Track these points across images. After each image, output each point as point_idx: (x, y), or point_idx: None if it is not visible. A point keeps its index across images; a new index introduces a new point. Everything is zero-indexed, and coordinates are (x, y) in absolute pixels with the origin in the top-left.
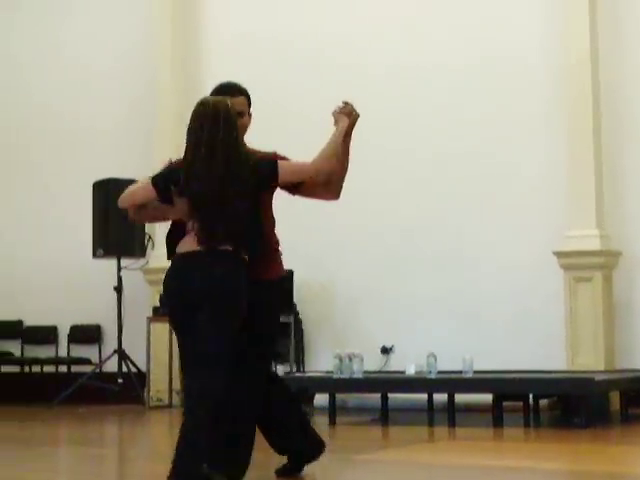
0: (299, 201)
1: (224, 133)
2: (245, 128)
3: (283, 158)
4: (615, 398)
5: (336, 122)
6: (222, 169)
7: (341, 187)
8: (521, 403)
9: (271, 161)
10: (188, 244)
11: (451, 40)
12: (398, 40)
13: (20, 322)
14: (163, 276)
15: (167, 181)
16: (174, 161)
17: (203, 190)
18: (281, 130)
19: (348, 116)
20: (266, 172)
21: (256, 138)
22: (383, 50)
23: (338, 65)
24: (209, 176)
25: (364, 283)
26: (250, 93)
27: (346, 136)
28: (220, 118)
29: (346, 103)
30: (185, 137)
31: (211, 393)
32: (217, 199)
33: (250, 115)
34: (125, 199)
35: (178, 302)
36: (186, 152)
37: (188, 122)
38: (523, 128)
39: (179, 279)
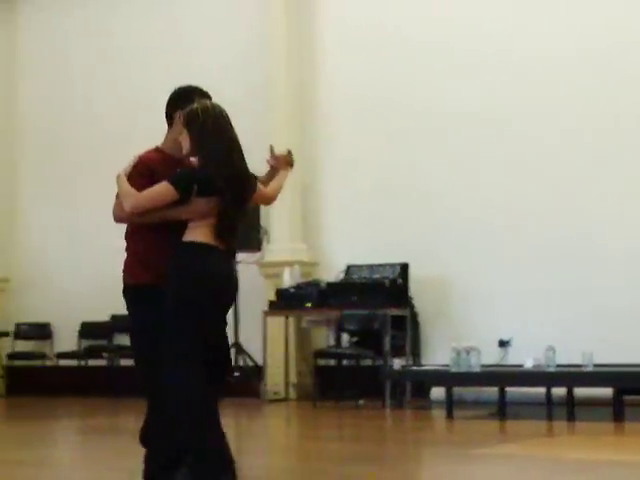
0: (416, 198)
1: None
2: None
3: None
4: None
5: (277, 167)
6: (245, 171)
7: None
8: None
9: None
10: (203, 235)
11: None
12: (536, 28)
13: None
14: (276, 270)
15: (189, 181)
16: (141, 156)
17: (240, 190)
18: (399, 125)
19: (289, 165)
20: (254, 185)
21: (378, 133)
22: (526, 37)
23: (462, 57)
24: (241, 177)
25: (481, 275)
26: (366, 84)
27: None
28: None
29: (289, 152)
30: (197, 136)
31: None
32: (244, 200)
33: None
34: (144, 204)
35: (215, 295)
36: (212, 151)
37: (196, 122)
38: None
39: (223, 276)
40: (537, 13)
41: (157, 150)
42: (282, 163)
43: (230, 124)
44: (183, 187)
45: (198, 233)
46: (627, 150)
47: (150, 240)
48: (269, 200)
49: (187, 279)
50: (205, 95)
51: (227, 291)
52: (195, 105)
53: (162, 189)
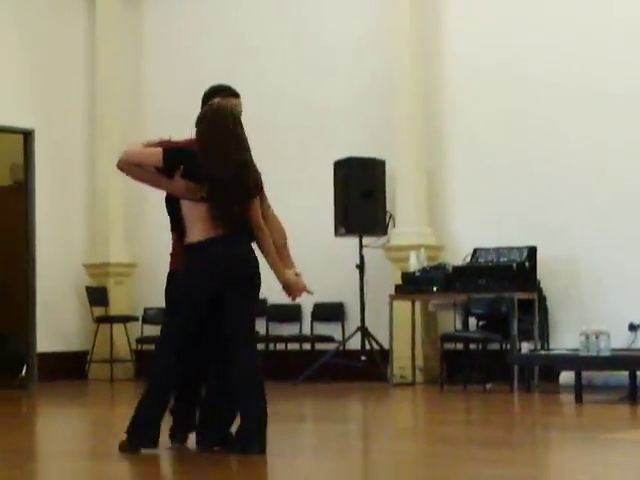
0: (543, 179)
1: (241, 130)
2: None
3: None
4: None
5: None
6: (242, 159)
7: None
8: None
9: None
10: (197, 233)
11: None
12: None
13: (264, 301)
14: (402, 254)
15: (178, 159)
16: (173, 140)
17: (233, 177)
18: (526, 104)
19: (298, 290)
20: (259, 181)
21: (504, 113)
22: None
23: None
24: (236, 165)
25: (610, 258)
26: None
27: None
28: (237, 118)
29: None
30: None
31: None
32: (240, 186)
33: None
34: (132, 156)
35: (210, 284)
36: (207, 141)
37: (199, 118)
38: None
39: (212, 263)
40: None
41: (189, 141)
42: (293, 289)
43: (233, 119)
44: (169, 158)
45: (194, 233)
46: None
47: None
48: (255, 226)
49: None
50: (234, 94)
51: (230, 271)
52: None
53: (152, 151)
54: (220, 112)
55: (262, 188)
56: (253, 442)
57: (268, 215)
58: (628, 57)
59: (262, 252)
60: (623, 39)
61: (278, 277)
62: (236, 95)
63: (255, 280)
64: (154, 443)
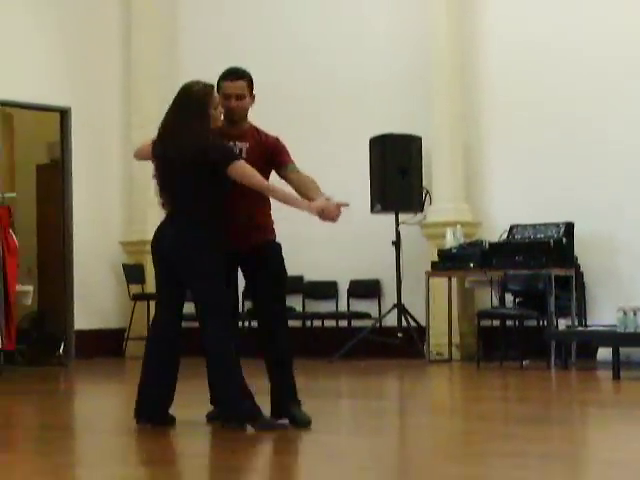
0: (581, 155)
1: (189, 112)
2: (244, 109)
3: (281, 147)
4: None
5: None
6: (177, 143)
7: None
8: None
9: (225, 154)
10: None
11: None
12: None
13: (301, 277)
14: (439, 231)
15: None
16: None
17: (169, 156)
18: (562, 78)
19: (332, 212)
20: (216, 159)
21: (540, 89)
22: None
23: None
24: (173, 145)
25: None
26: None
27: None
28: (191, 100)
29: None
30: None
31: None
32: (178, 165)
33: (253, 97)
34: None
35: (157, 263)
36: (162, 122)
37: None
38: None
39: (153, 244)
40: None
41: None
42: (326, 212)
43: (189, 98)
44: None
45: None
46: None
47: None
48: (258, 188)
49: None
50: (236, 77)
51: (160, 253)
52: None
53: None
54: (182, 92)
55: (279, 160)
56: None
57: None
58: None
59: (285, 202)
60: None
61: (306, 209)
62: (239, 77)
63: (184, 257)
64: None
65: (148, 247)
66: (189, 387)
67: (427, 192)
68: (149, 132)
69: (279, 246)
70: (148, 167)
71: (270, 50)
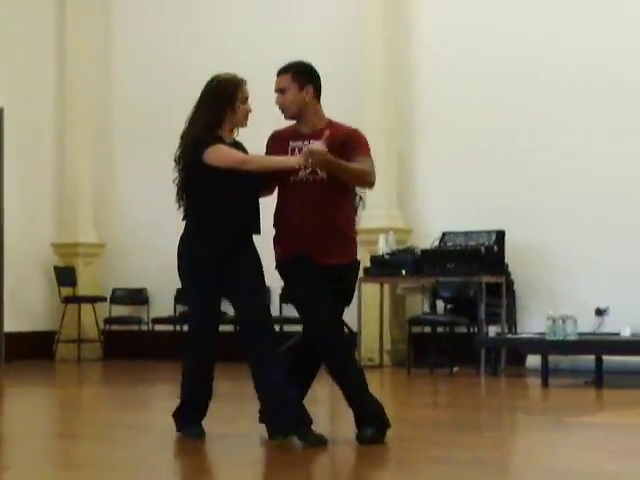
0: (513, 164)
1: (198, 105)
2: (290, 103)
3: (354, 139)
4: None
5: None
6: (187, 137)
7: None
8: None
9: (198, 141)
10: None
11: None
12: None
13: None
14: (371, 237)
15: None
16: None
17: (179, 153)
18: (496, 90)
19: (317, 152)
20: (188, 150)
21: (474, 98)
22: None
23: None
24: (182, 141)
25: (577, 243)
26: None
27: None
28: (205, 91)
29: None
30: None
31: None
32: (185, 163)
33: (306, 89)
34: None
35: None
36: None
37: None
38: None
39: None
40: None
41: (291, 126)
42: (313, 153)
43: (204, 90)
44: None
45: None
46: None
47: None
48: (243, 166)
49: None
50: (281, 71)
51: None
52: None
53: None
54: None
55: (348, 154)
56: None
57: None
58: (597, 44)
59: (269, 168)
60: (591, 23)
61: (294, 162)
62: (281, 72)
63: (178, 264)
64: None
65: (80, 249)
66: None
67: (361, 198)
68: (82, 133)
69: None
70: (81, 169)
71: (201, 51)
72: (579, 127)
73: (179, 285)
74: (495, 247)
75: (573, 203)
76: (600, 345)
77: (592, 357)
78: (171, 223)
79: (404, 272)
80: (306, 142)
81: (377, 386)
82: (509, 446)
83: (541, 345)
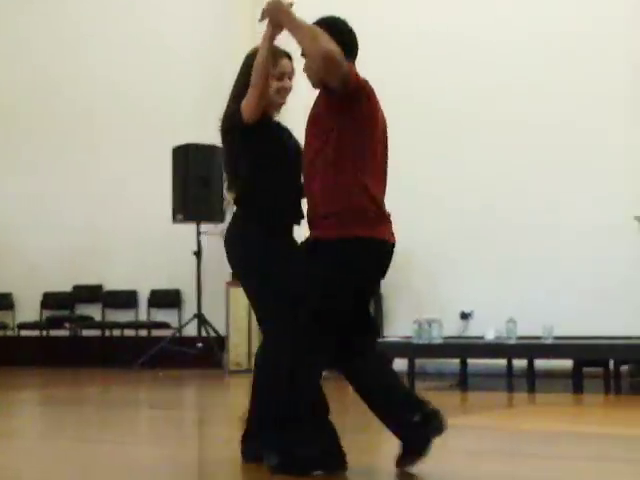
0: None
1: (235, 83)
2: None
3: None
4: None
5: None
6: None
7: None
8: (601, 369)
9: (230, 115)
10: None
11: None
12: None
13: (100, 287)
14: None
15: None
16: None
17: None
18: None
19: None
20: (228, 114)
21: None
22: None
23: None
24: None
25: (443, 249)
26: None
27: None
28: (240, 68)
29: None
30: None
31: None
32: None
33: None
34: None
35: None
36: None
37: None
38: (606, 98)
39: None
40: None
41: None
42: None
43: (244, 66)
44: None
45: None
46: (580, 125)
47: None
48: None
49: None
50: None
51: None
52: None
53: None
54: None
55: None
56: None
57: None
58: (505, 76)
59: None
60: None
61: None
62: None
63: (230, 258)
64: None
65: None
66: None
67: (228, 202)
68: None
69: None
70: None
71: (69, 64)
72: (442, 134)
73: (45, 289)
74: None
75: (436, 207)
76: (464, 348)
77: (457, 360)
78: (38, 228)
79: None
80: None
81: (243, 391)
82: (372, 448)
83: (407, 349)
